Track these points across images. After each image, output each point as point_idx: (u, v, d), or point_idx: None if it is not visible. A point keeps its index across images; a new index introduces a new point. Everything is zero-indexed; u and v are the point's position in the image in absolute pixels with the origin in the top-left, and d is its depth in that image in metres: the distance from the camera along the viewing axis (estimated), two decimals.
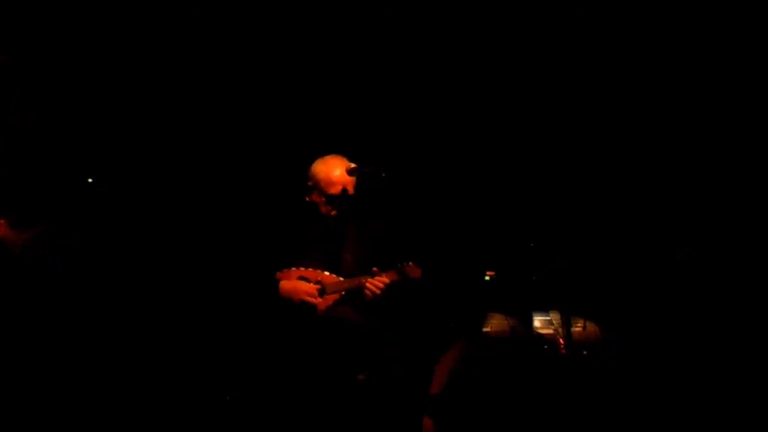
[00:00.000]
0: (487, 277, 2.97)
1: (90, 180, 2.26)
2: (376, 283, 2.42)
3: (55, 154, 2.34)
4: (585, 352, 2.91)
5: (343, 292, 2.48)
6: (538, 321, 3.06)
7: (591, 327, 3.03)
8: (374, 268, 2.45)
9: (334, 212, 2.50)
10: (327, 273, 2.53)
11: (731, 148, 2.83)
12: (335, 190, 2.50)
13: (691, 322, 2.63)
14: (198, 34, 2.60)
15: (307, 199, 2.56)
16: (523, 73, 2.86)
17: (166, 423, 2.10)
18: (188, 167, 2.55)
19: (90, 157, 2.52)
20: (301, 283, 2.47)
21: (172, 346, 2.27)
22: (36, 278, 2.22)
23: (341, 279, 2.52)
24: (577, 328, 3.00)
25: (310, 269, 2.50)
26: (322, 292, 2.46)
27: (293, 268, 2.49)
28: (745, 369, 2.46)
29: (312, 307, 2.39)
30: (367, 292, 2.39)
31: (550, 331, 3.04)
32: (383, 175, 2.41)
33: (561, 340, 2.93)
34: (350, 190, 2.52)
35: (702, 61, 2.83)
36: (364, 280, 2.43)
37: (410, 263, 2.42)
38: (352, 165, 2.51)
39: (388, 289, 2.38)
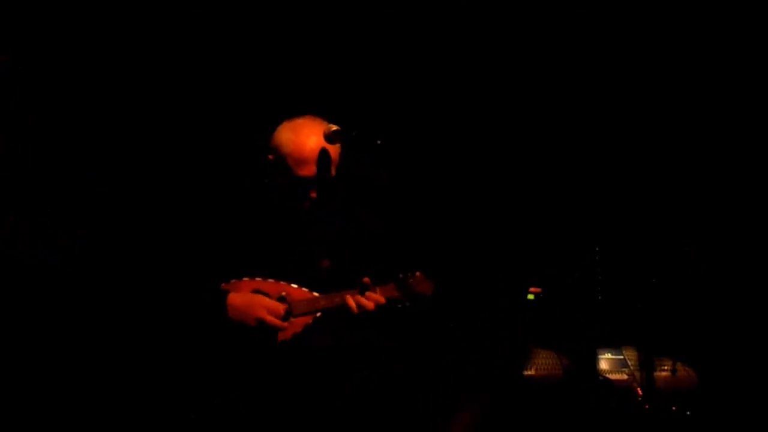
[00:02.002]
0: (530, 296, 2.23)
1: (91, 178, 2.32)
2: (365, 302, 1.69)
3: (55, 154, 2.29)
4: (674, 408, 2.13)
5: (318, 314, 1.73)
6: (605, 361, 2.24)
7: (684, 371, 2.23)
8: (365, 279, 1.70)
9: (307, 202, 1.75)
10: (294, 286, 1.75)
11: (731, 148, 2.67)
12: (309, 170, 1.70)
13: (692, 323, 2.36)
14: (198, 33, 2.61)
15: (266, 180, 1.78)
16: (534, 69, 2.63)
17: (165, 422, 2.03)
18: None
19: (90, 157, 2.63)
20: (259, 297, 1.70)
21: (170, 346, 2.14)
22: (36, 278, 2.18)
23: (315, 294, 1.74)
24: (663, 372, 2.21)
25: (270, 281, 1.74)
26: (288, 313, 1.72)
27: (245, 279, 1.73)
28: (746, 369, 2.29)
29: (273, 331, 1.68)
30: (354, 313, 1.69)
31: (624, 377, 2.22)
32: (378, 143, 1.68)
33: (639, 390, 2.16)
34: (332, 168, 1.72)
35: (702, 61, 2.66)
36: (349, 297, 1.71)
37: (418, 273, 1.73)
38: (333, 127, 1.68)
39: (383, 309, 1.70)
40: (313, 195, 1.75)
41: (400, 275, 1.74)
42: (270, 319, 1.69)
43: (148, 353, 2.13)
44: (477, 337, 2.23)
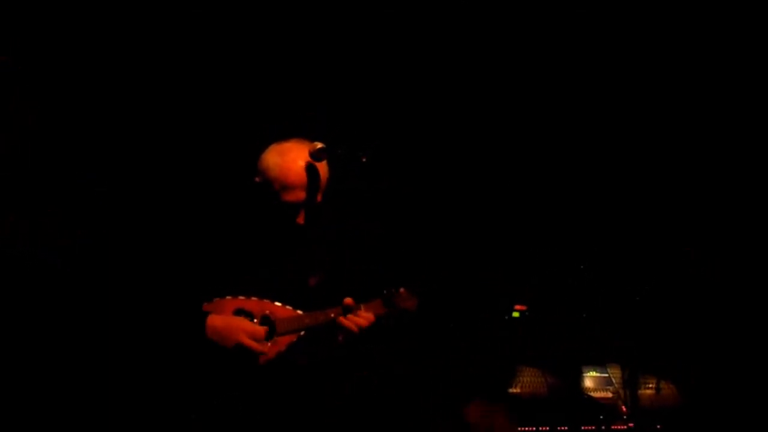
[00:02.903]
0: (515, 314, 2.24)
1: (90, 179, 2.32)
2: (356, 320, 1.69)
3: (55, 154, 2.29)
4: (659, 426, 2.17)
5: (302, 332, 1.71)
6: (590, 379, 2.25)
7: (668, 389, 2.24)
8: (347, 299, 1.69)
9: (296, 222, 1.72)
10: (278, 304, 1.72)
11: (731, 148, 2.66)
12: (295, 196, 1.68)
13: (692, 323, 2.36)
14: (198, 34, 2.58)
15: (253, 200, 1.74)
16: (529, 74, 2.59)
17: (164, 422, 2.05)
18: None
19: (90, 157, 2.64)
20: (239, 320, 1.66)
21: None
22: (36, 278, 2.17)
23: (300, 313, 1.72)
24: (647, 389, 2.24)
25: (254, 299, 1.70)
26: (271, 333, 1.68)
27: (228, 297, 1.69)
28: (746, 369, 2.29)
29: (253, 355, 1.65)
30: (341, 336, 1.70)
31: (608, 394, 2.23)
32: (363, 160, 1.68)
33: (623, 407, 2.19)
34: (318, 194, 1.69)
35: (702, 61, 2.62)
36: (333, 315, 1.69)
37: (402, 290, 1.74)
38: (318, 145, 1.66)
39: (368, 328, 1.70)
40: (300, 221, 1.72)
41: (385, 292, 1.75)
42: (249, 342, 1.65)
43: (144, 355, 2.16)
44: (477, 337, 2.25)
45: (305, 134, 1.78)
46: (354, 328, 1.71)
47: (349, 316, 1.71)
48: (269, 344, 1.70)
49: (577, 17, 2.62)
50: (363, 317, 1.72)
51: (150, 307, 1.75)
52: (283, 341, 1.72)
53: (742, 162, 2.71)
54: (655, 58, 2.70)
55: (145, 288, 1.75)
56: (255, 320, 1.72)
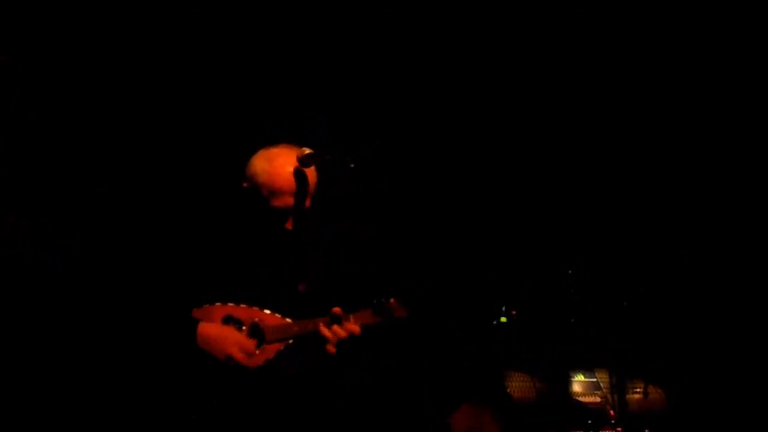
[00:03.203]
0: (503, 318, 2.26)
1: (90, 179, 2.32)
2: (339, 332, 1.68)
3: (55, 154, 2.30)
4: (647, 431, 2.20)
5: (290, 341, 1.70)
6: (578, 383, 2.27)
7: (655, 393, 2.26)
8: (335, 309, 1.68)
9: (285, 228, 1.72)
10: (267, 311, 1.72)
11: (725, 150, 2.67)
12: (283, 201, 1.68)
13: (683, 326, 2.37)
14: (196, 35, 2.57)
15: (242, 206, 1.74)
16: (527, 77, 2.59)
17: (164, 422, 2.07)
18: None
19: (90, 157, 2.64)
20: (231, 331, 1.66)
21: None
22: (36, 278, 2.18)
23: (289, 321, 1.72)
24: (635, 394, 2.26)
25: (243, 306, 1.70)
26: (260, 341, 1.69)
27: (218, 304, 1.70)
28: (736, 373, 2.29)
29: (241, 367, 1.66)
30: (330, 346, 1.68)
31: (596, 399, 2.26)
32: (352, 166, 1.67)
33: (611, 412, 2.20)
34: (307, 200, 1.69)
35: (702, 61, 2.60)
36: (322, 324, 1.70)
37: (392, 300, 1.73)
38: (307, 151, 1.65)
39: (354, 338, 1.69)
40: (289, 226, 1.71)
41: (375, 302, 1.73)
42: (239, 356, 1.65)
43: (137, 357, 2.17)
44: (466, 341, 2.27)
45: (298, 136, 1.76)
46: (336, 339, 1.69)
47: (334, 327, 1.69)
48: (258, 352, 1.71)
49: (575, 17, 2.60)
50: (349, 328, 1.70)
51: (141, 311, 1.76)
52: (272, 349, 1.73)
53: (737, 164, 2.71)
54: (648, 61, 2.69)
55: (135, 292, 1.76)
56: (244, 327, 1.72)
